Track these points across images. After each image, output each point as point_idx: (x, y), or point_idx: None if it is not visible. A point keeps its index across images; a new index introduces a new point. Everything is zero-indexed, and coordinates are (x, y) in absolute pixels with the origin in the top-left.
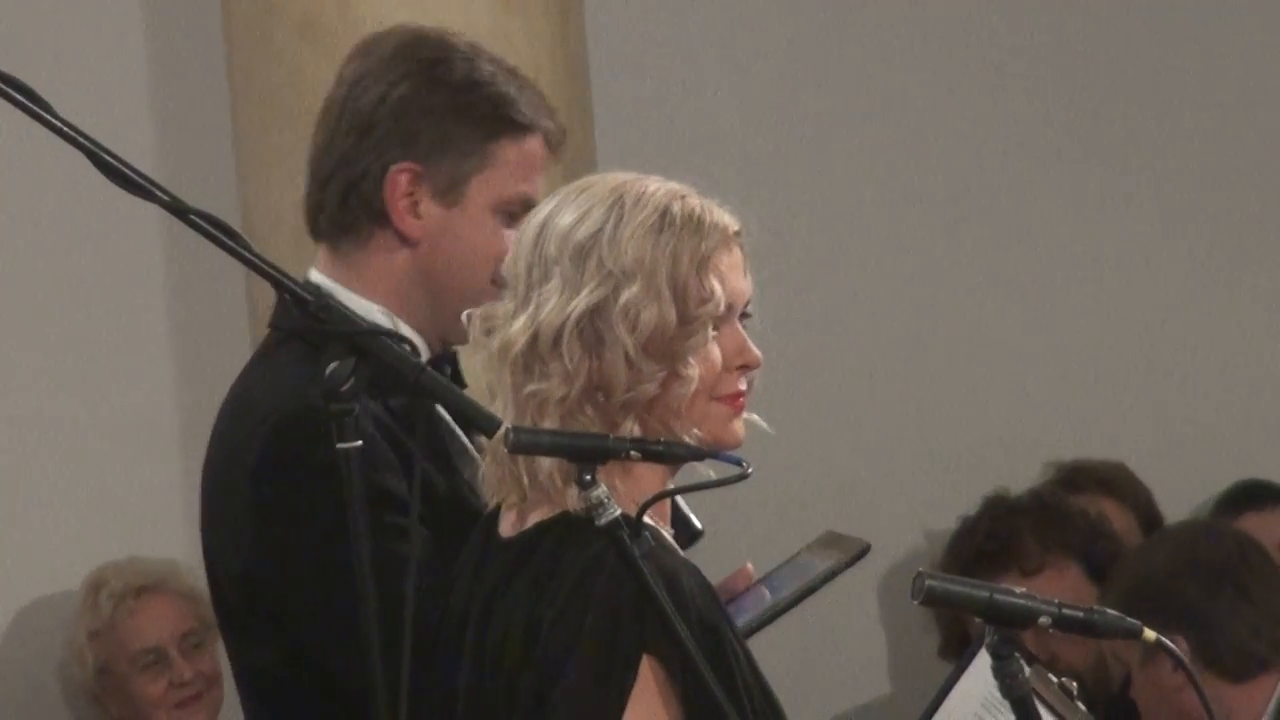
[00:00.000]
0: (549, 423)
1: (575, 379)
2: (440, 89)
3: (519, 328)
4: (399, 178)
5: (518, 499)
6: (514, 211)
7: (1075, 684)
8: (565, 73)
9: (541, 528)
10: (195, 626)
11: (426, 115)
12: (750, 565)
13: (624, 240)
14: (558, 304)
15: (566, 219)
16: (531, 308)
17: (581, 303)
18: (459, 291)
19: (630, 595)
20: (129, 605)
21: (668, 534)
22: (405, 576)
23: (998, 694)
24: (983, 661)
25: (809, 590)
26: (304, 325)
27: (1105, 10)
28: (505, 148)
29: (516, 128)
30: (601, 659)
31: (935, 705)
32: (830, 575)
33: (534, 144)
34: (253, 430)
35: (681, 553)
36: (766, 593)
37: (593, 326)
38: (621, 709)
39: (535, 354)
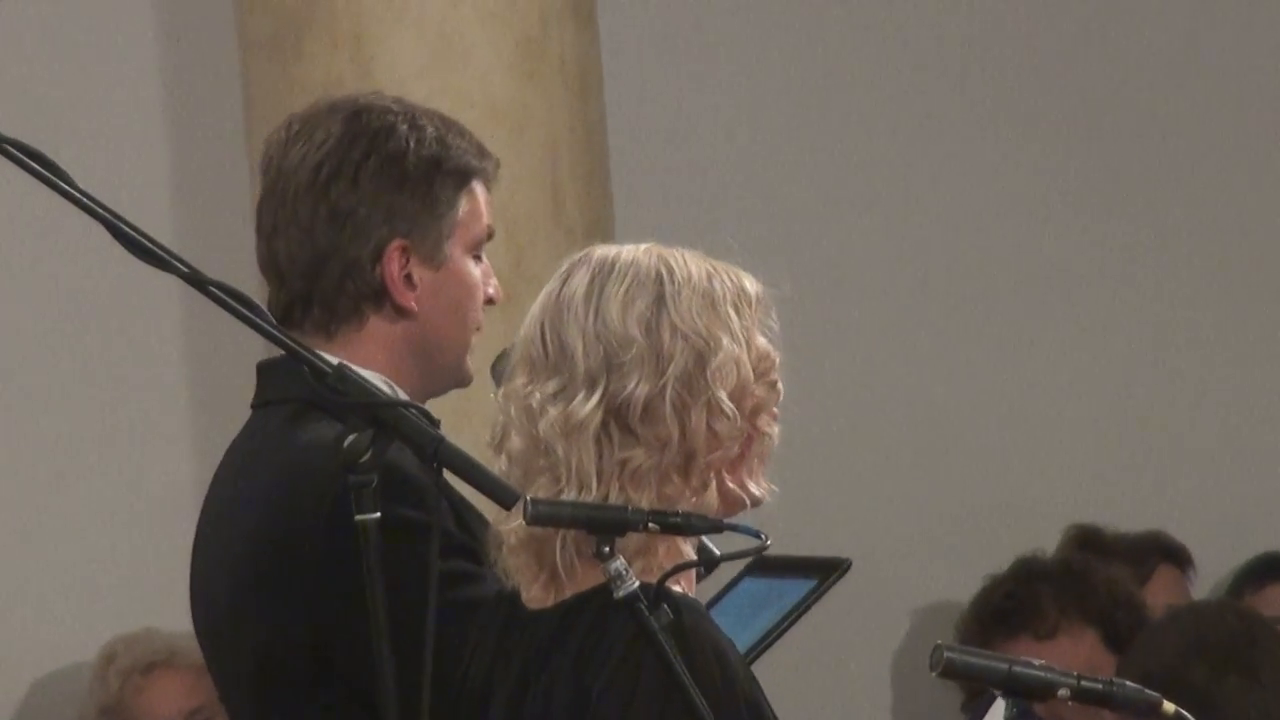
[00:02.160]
0: (645, 491)
1: (667, 446)
2: (403, 158)
3: (591, 405)
4: (394, 255)
5: (547, 572)
6: (480, 250)
7: None
8: (584, 144)
9: (582, 598)
10: (203, 703)
11: (400, 187)
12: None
13: (692, 310)
14: (645, 375)
15: (614, 292)
16: (604, 383)
17: (673, 371)
18: (451, 346)
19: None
20: (136, 682)
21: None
22: (476, 619)
23: None
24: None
25: (798, 615)
26: (321, 396)
27: (1132, 68)
28: (466, 195)
29: (471, 173)
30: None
31: None
32: (818, 595)
33: (484, 183)
34: (323, 488)
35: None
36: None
37: (680, 395)
38: None
39: (622, 426)
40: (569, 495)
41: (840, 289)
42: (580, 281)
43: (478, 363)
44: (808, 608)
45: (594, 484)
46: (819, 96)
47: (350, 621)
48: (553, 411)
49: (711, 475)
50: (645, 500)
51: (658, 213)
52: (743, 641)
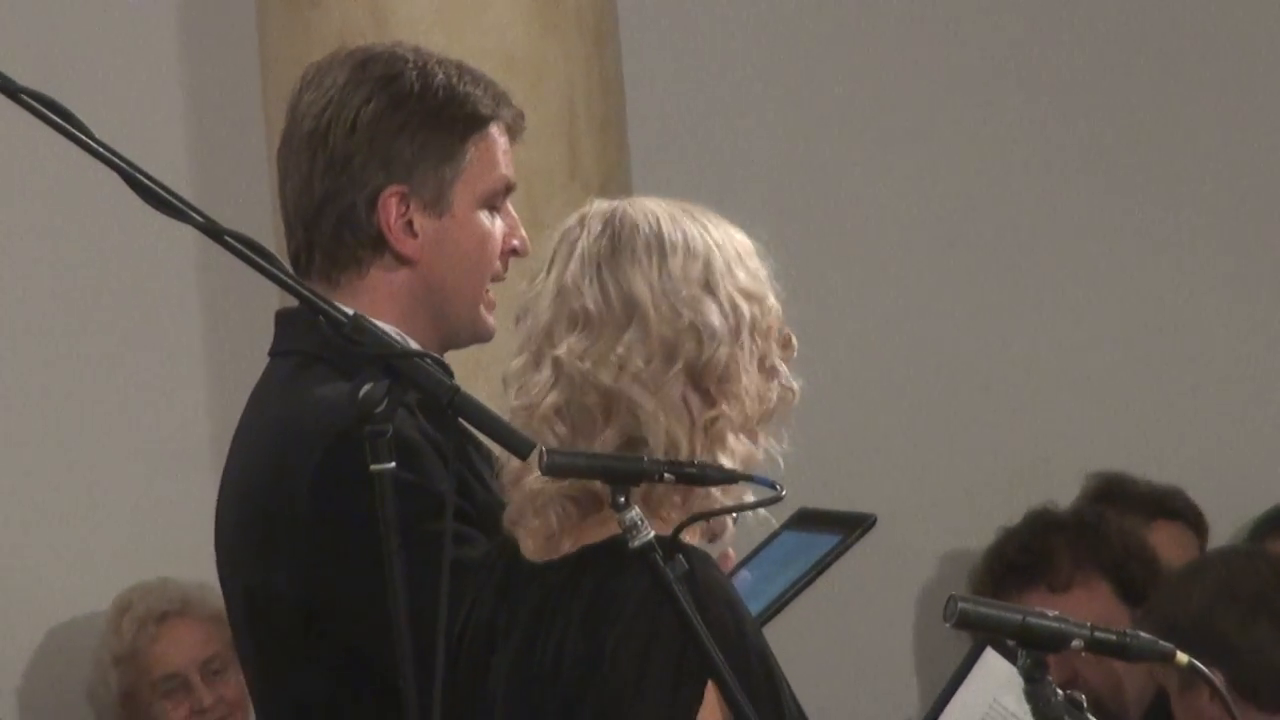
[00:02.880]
0: (725, 450)
1: (740, 404)
2: (404, 104)
3: (677, 368)
4: (390, 202)
5: (557, 523)
6: (496, 203)
7: (1083, 696)
8: (600, 94)
9: (593, 550)
10: (218, 651)
11: (399, 133)
12: (731, 550)
13: (742, 269)
14: (721, 336)
15: (674, 248)
16: (683, 342)
17: (743, 331)
18: (463, 296)
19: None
20: (151, 631)
21: (723, 545)
22: (470, 580)
23: (1000, 708)
24: (981, 673)
25: (822, 568)
26: (334, 347)
27: (1156, 22)
28: (476, 144)
29: (481, 121)
30: (668, 678)
31: (933, 718)
32: (842, 550)
33: (498, 132)
34: (309, 447)
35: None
36: (748, 575)
37: (750, 353)
38: None
39: (702, 387)
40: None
41: (861, 244)
42: (630, 238)
43: (502, 319)
44: (831, 563)
45: (683, 445)
46: (839, 48)
47: (338, 580)
48: (633, 369)
49: (765, 429)
50: (729, 461)
51: (675, 165)
52: (768, 594)
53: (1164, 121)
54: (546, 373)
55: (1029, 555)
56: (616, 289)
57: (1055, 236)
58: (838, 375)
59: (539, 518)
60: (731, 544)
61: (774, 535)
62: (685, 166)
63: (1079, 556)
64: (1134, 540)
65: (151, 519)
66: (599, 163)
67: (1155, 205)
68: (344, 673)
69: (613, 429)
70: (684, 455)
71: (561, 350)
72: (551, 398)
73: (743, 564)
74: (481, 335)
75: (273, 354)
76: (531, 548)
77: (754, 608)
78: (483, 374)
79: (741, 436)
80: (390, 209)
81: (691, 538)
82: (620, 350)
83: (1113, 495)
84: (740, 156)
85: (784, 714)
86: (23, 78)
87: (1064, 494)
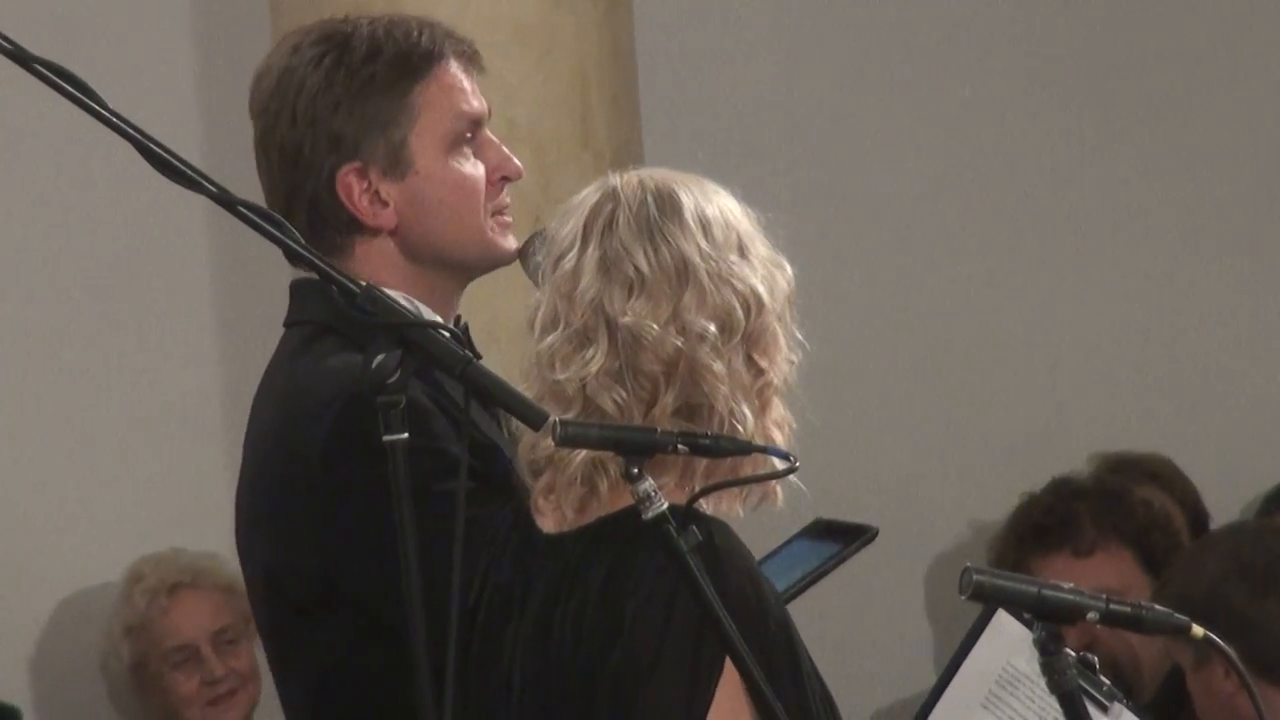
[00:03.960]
0: (775, 410)
1: (785, 364)
2: (334, 80)
3: (737, 338)
4: (348, 180)
5: (575, 493)
6: (465, 137)
7: (1095, 657)
8: (612, 67)
9: (611, 520)
10: (230, 623)
11: (336, 110)
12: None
13: (758, 240)
14: (766, 305)
15: (715, 216)
16: (739, 313)
17: (780, 292)
18: (457, 244)
19: (716, 589)
20: (162, 602)
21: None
22: (484, 538)
23: (1013, 670)
24: (993, 636)
25: (819, 576)
26: (345, 318)
27: (1171, 12)
28: (421, 93)
29: (424, 66)
30: (688, 649)
31: (945, 681)
32: (839, 560)
33: (449, 70)
34: (316, 417)
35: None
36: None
37: (783, 322)
38: (710, 695)
39: (747, 355)
40: (713, 430)
41: (875, 217)
42: (672, 207)
43: (507, 286)
44: (828, 571)
45: (742, 411)
46: (850, 18)
47: (350, 547)
48: (698, 330)
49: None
50: (777, 430)
51: (686, 135)
52: None
53: (1175, 100)
54: (602, 341)
55: (1053, 518)
56: (670, 252)
57: (1066, 209)
58: (849, 347)
59: (566, 489)
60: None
61: (788, 542)
62: (697, 134)
63: (1102, 523)
64: (1156, 510)
65: (163, 489)
66: (611, 131)
67: (1167, 183)
68: (361, 640)
69: (672, 393)
70: (742, 420)
71: (628, 317)
72: (607, 364)
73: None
74: (499, 260)
75: (286, 324)
76: (553, 521)
77: None
78: (495, 345)
79: (777, 402)
80: (351, 187)
81: (731, 507)
82: (686, 315)
83: (1116, 473)
84: (752, 125)
85: (803, 683)
86: (34, 48)
87: (1072, 465)
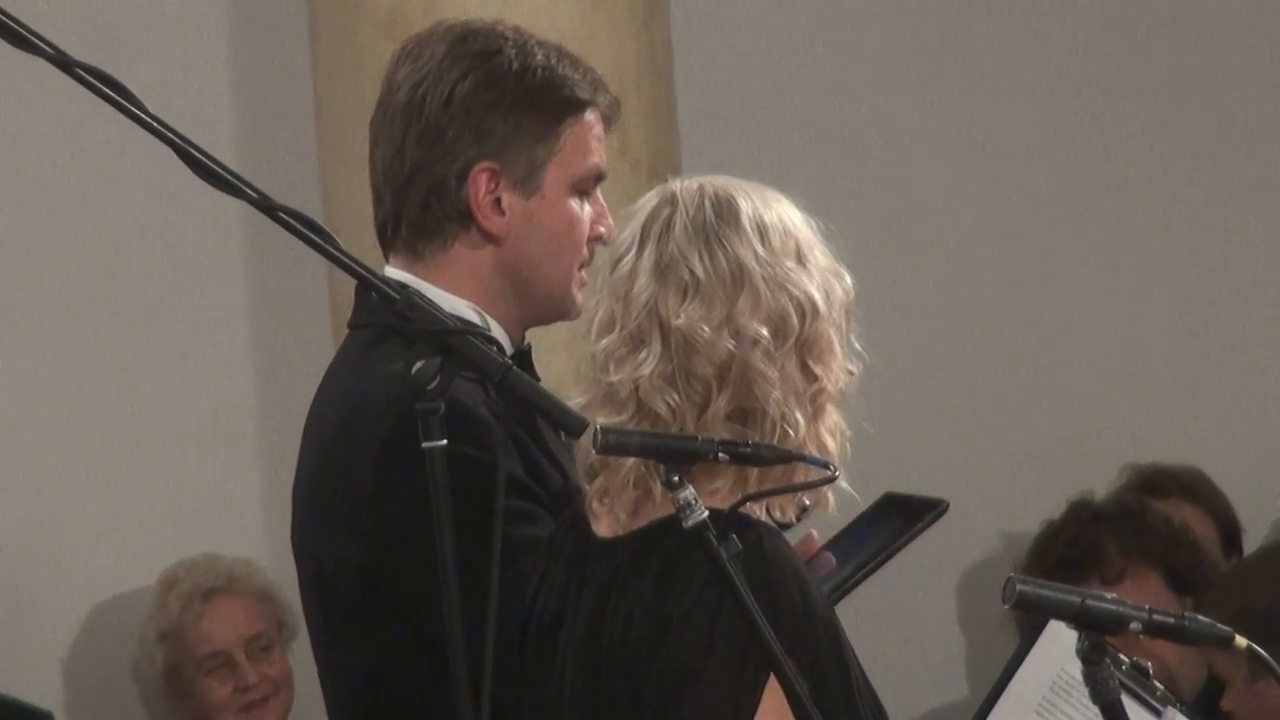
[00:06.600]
0: (828, 418)
1: (841, 373)
2: (501, 81)
3: (790, 344)
4: (480, 177)
5: (628, 496)
6: (586, 188)
7: (1149, 663)
8: (650, 72)
9: (663, 524)
10: (264, 629)
11: (494, 109)
12: (814, 532)
13: (818, 249)
14: (821, 312)
15: (772, 223)
16: (794, 320)
17: (838, 301)
18: (547, 278)
19: (764, 595)
20: (196, 608)
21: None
22: (537, 559)
23: (1068, 676)
24: (1048, 643)
25: (893, 552)
26: (394, 322)
27: (1214, 12)
28: (570, 127)
29: (577, 105)
30: (736, 650)
31: (1000, 688)
32: (913, 535)
33: (593, 118)
34: (376, 419)
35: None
36: (832, 558)
37: (839, 329)
38: (756, 701)
39: (801, 362)
40: (765, 435)
41: (913, 223)
42: (731, 212)
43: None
44: (901, 547)
45: (794, 418)
46: (889, 23)
47: (399, 556)
48: (751, 335)
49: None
50: (830, 437)
51: (724, 144)
52: (839, 575)
53: (1220, 106)
54: (655, 344)
55: (1077, 548)
56: (725, 257)
57: (1097, 223)
58: (888, 354)
59: (620, 492)
60: (828, 514)
61: (857, 519)
62: (735, 142)
63: (1127, 548)
64: (1178, 528)
65: (198, 496)
66: (649, 141)
67: (1198, 192)
68: (408, 645)
69: (724, 397)
70: (794, 425)
71: (680, 319)
72: (660, 367)
73: (826, 546)
74: (569, 314)
75: (351, 326)
76: (607, 525)
77: (826, 589)
78: (531, 352)
79: (831, 409)
80: (480, 184)
81: (781, 512)
82: (740, 319)
83: (1148, 486)
84: (791, 135)
85: (852, 689)
86: (75, 53)
87: (1104, 474)
